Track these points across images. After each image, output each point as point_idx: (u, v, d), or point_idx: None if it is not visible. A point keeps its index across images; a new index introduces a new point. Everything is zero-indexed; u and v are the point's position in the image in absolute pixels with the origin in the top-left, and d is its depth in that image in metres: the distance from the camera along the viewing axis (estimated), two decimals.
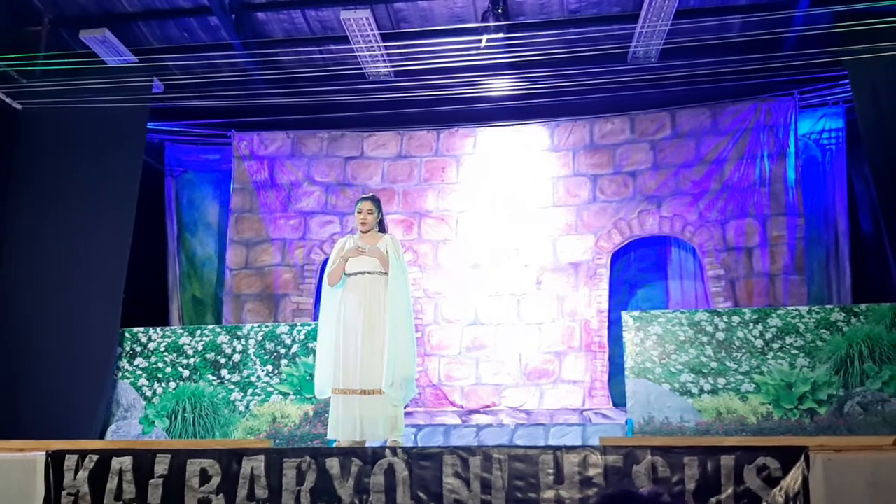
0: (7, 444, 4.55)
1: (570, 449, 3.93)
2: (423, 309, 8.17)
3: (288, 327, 6.94)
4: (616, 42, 7.46)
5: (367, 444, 4.90)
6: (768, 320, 6.52)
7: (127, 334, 7.02)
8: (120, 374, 6.93)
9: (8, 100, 7.53)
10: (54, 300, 7.02)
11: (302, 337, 6.78)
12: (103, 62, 7.73)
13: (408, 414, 7.55)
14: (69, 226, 7.20)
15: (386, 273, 5.19)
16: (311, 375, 6.64)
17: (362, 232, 5.33)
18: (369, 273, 5.21)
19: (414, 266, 8.23)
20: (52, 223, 7.25)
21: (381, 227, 5.41)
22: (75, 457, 4.23)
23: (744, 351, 6.47)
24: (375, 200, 5.40)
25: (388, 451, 4.05)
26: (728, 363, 6.46)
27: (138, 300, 7.56)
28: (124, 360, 6.96)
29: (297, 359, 6.74)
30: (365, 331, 5.11)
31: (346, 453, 4.10)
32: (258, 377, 6.76)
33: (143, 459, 4.16)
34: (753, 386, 6.39)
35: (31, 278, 7.12)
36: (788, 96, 7.88)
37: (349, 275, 5.26)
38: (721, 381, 6.43)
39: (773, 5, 7.32)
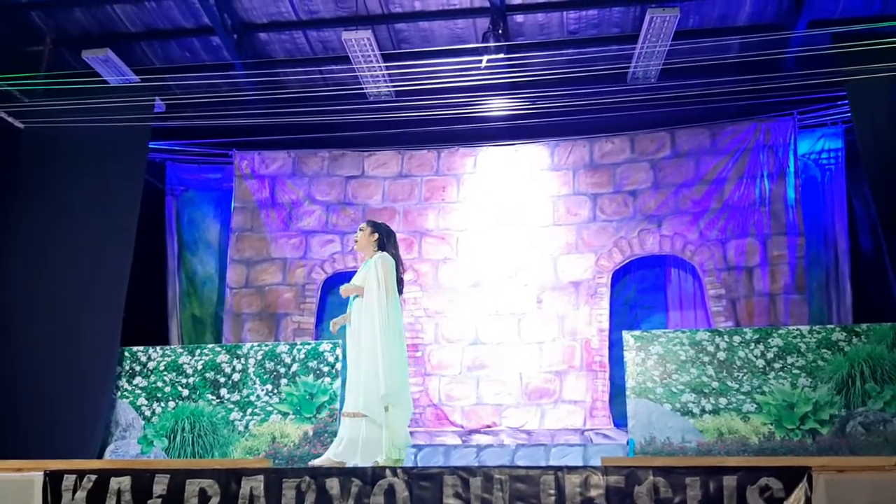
0: (5, 464, 4.52)
1: (571, 469, 3.91)
2: (424, 328, 8.15)
3: (288, 346, 6.92)
4: (615, 62, 7.51)
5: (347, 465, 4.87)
6: (769, 340, 6.51)
7: (126, 353, 7.01)
8: (119, 393, 6.91)
9: (10, 119, 7.57)
10: (54, 318, 7.02)
11: (302, 356, 6.76)
12: (105, 82, 7.77)
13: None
14: (70, 244, 7.22)
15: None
16: (311, 395, 6.66)
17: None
18: (358, 296, 5.29)
19: (414, 285, 8.22)
20: (53, 242, 7.26)
21: (381, 247, 5.40)
22: (73, 477, 4.20)
23: (745, 371, 6.46)
24: (369, 223, 5.49)
25: (388, 472, 4.02)
26: (729, 383, 6.44)
27: (138, 319, 7.55)
28: (123, 379, 6.94)
29: (297, 378, 6.72)
30: (351, 354, 5.19)
31: (345, 473, 4.08)
32: (258, 396, 6.74)
33: (142, 479, 4.14)
34: (755, 406, 6.37)
35: (31, 296, 7.12)
36: (788, 116, 7.92)
37: (352, 298, 5.35)
38: (722, 400, 6.41)
39: (772, 26, 7.39)
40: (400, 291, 5.38)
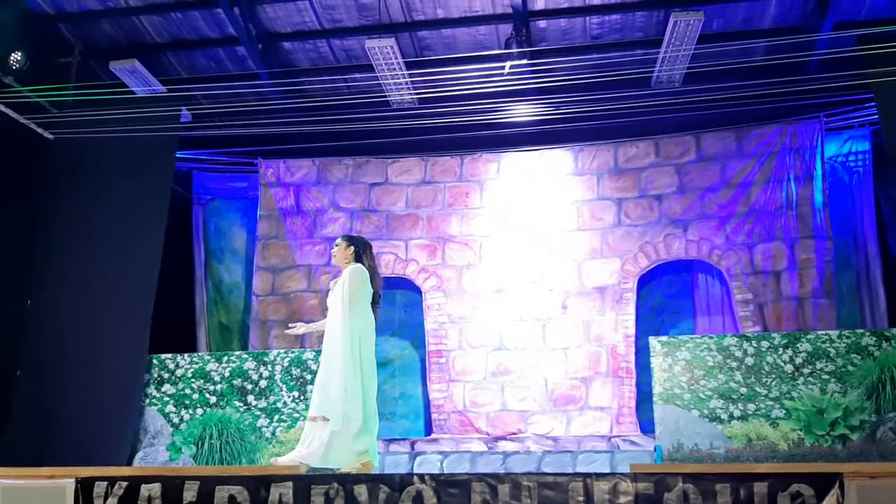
0: (37, 472, 4.58)
1: (600, 476, 3.89)
2: (448, 334, 8.16)
3: (314, 353, 6.94)
4: (639, 67, 7.49)
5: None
6: (798, 345, 6.45)
7: (155, 361, 7.08)
8: (148, 400, 6.97)
9: (40, 130, 7.67)
10: (83, 327, 7.10)
11: None
12: (132, 92, 7.86)
13: (433, 440, 7.54)
14: (99, 253, 7.30)
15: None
16: None
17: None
18: (331, 308, 5.40)
19: (438, 291, 8.24)
20: (81, 251, 7.34)
21: (357, 259, 5.47)
22: (105, 483, 4.24)
23: (773, 376, 6.40)
24: (345, 238, 5.58)
25: (415, 478, 4.03)
26: (758, 389, 6.39)
27: (166, 327, 7.62)
28: (152, 387, 7.00)
29: None
30: (322, 363, 5.32)
31: (373, 480, 4.08)
32: (284, 403, 6.77)
33: (172, 486, 4.17)
34: (784, 412, 6.31)
35: (60, 305, 7.21)
36: (814, 119, 7.85)
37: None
38: (751, 406, 6.35)
39: (796, 29, 7.33)
40: (375, 303, 5.44)
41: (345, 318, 5.20)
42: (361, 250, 5.47)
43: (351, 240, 5.53)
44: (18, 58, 7.27)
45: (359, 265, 5.36)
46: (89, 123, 7.44)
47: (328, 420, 5.11)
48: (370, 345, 5.37)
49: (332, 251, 5.59)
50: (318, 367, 6.72)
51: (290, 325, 5.89)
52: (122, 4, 7.48)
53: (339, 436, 5.11)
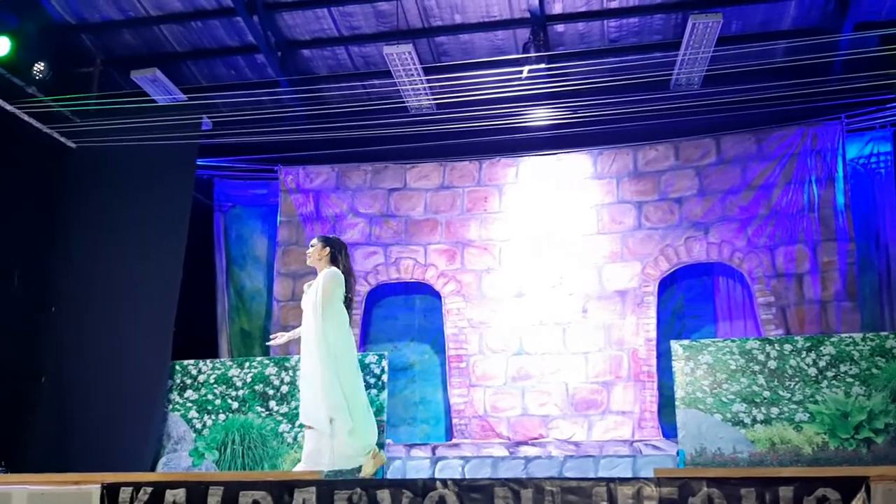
0: (63, 477, 4.62)
1: (623, 481, 3.87)
2: (468, 339, 8.16)
3: None
4: (658, 69, 7.46)
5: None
6: (821, 348, 6.39)
7: (177, 367, 7.12)
8: (170, 406, 7.02)
9: (62, 139, 7.76)
10: (107, 334, 7.16)
11: None
12: (153, 101, 7.94)
13: (454, 446, 7.54)
14: (121, 261, 7.36)
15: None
16: None
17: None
18: (305, 312, 5.50)
19: (458, 296, 8.24)
20: (104, 258, 7.41)
21: (333, 261, 5.48)
22: (130, 489, 4.27)
23: (797, 380, 6.35)
24: (320, 238, 5.65)
25: (438, 483, 4.03)
26: (781, 392, 6.34)
27: (188, 333, 7.67)
28: (175, 393, 7.05)
29: None
30: (301, 370, 5.42)
31: (396, 485, 4.09)
32: None
33: (197, 491, 4.19)
34: (808, 415, 6.26)
35: (83, 312, 7.28)
36: (835, 120, 7.78)
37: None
38: (774, 410, 6.30)
39: (817, 30, 7.29)
40: (348, 306, 5.48)
41: (317, 323, 5.27)
42: (337, 251, 5.54)
43: (326, 241, 5.60)
44: (41, 68, 7.36)
45: (334, 269, 5.41)
46: (111, 132, 7.51)
47: (313, 427, 5.21)
48: (348, 343, 5.43)
49: (307, 252, 5.67)
50: None
51: (271, 335, 5.94)
52: (142, 14, 7.57)
53: (333, 438, 5.13)
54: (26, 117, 7.36)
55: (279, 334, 6.04)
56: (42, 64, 7.36)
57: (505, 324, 8.11)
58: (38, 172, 7.52)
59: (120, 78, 8.02)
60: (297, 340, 5.80)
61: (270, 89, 8.13)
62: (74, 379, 7.07)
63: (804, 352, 6.40)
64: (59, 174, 7.71)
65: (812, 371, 6.35)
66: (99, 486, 4.32)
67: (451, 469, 7.04)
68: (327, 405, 5.16)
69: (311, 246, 5.59)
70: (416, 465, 7.15)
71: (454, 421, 7.95)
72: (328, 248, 5.51)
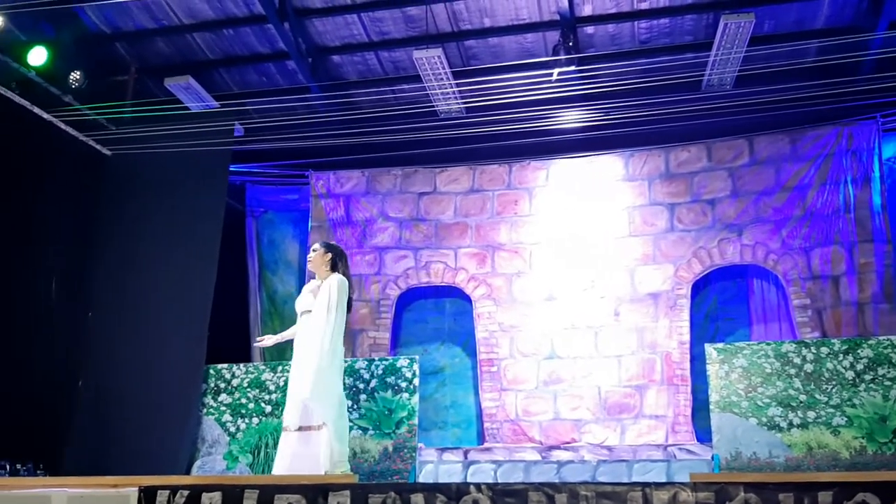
0: (101, 480, 4.68)
1: (659, 486, 3.83)
2: (499, 342, 8.14)
3: (366, 362, 6.99)
4: (689, 70, 7.41)
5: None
6: (859, 351, 6.29)
7: (211, 371, 7.19)
8: (205, 410, 7.08)
9: (98, 146, 7.88)
10: (142, 338, 7.26)
11: (380, 372, 6.82)
12: (187, 108, 8.04)
13: (486, 450, 7.52)
14: (155, 266, 7.46)
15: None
16: (390, 410, 6.70)
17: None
18: (307, 312, 5.47)
19: (488, 300, 8.23)
20: (139, 264, 7.52)
21: (334, 267, 5.55)
22: (167, 492, 4.32)
23: (834, 383, 6.25)
24: (322, 244, 5.70)
25: (472, 488, 4.02)
26: (818, 396, 6.25)
27: (222, 337, 7.74)
28: (209, 397, 7.11)
29: (375, 394, 6.78)
30: (300, 368, 5.36)
31: (430, 489, 4.09)
32: None
33: (232, 494, 4.22)
34: (845, 419, 6.16)
35: (119, 317, 7.39)
36: (871, 120, 7.66)
37: (300, 314, 5.57)
38: (811, 414, 6.21)
39: (850, 29, 7.19)
40: (348, 311, 5.55)
41: (327, 327, 5.30)
42: (338, 258, 5.63)
43: (329, 247, 5.69)
44: (77, 77, 7.50)
45: (343, 277, 5.49)
46: (145, 139, 7.62)
47: (302, 430, 5.22)
48: (342, 350, 5.46)
49: (309, 256, 5.72)
50: (370, 375, 6.81)
51: (257, 338, 5.98)
52: (175, 23, 7.67)
53: (330, 442, 5.16)
54: (63, 126, 7.50)
55: (267, 336, 6.10)
56: (78, 73, 7.50)
57: (536, 327, 8.09)
58: (74, 180, 7.65)
59: (154, 86, 8.13)
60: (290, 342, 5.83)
61: (301, 95, 8.19)
62: (111, 383, 7.17)
63: (841, 355, 6.30)
64: (94, 181, 7.83)
65: (849, 374, 6.25)
66: (136, 489, 4.37)
67: (482, 473, 7.03)
68: (328, 408, 5.18)
69: (314, 251, 5.66)
70: (447, 469, 7.15)
71: (486, 425, 7.94)
72: (330, 255, 5.60)
